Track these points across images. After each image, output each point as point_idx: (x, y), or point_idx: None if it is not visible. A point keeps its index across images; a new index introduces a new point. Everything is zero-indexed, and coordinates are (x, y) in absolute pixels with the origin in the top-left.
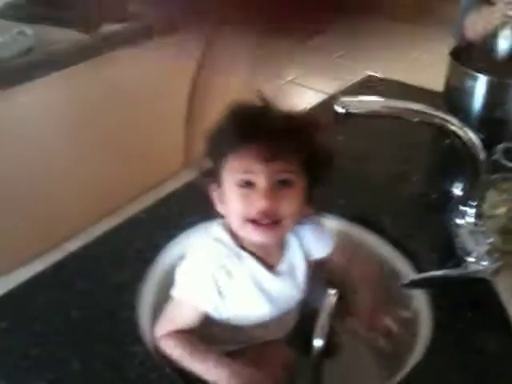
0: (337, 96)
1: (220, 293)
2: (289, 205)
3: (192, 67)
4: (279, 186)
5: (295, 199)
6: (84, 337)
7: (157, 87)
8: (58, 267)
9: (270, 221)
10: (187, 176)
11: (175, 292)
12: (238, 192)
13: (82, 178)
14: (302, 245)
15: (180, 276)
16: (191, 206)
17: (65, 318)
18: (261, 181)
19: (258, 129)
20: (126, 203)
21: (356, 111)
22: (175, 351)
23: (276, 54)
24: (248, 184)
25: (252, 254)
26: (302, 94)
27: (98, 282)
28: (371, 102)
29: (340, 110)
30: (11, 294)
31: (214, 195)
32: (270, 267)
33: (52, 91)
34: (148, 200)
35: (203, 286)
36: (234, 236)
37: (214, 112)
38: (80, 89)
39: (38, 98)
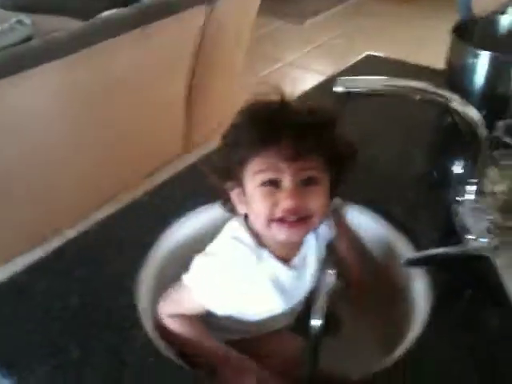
0: (337, 76)
1: (233, 298)
2: (315, 202)
3: (192, 53)
4: (304, 183)
5: (321, 196)
6: (83, 323)
7: (156, 73)
8: (57, 254)
9: (296, 218)
10: (186, 161)
11: (187, 280)
12: (262, 192)
13: (82, 165)
14: (317, 234)
15: (196, 267)
16: (190, 191)
17: (64, 305)
18: (285, 180)
19: (278, 127)
20: (126, 190)
21: (356, 90)
22: (179, 331)
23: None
24: (272, 183)
25: (271, 251)
26: (301, 76)
27: (97, 268)
28: (371, 80)
29: (340, 89)
30: (11, 282)
31: (233, 195)
32: (286, 261)
33: (51, 80)
34: (147, 186)
35: (216, 290)
36: (253, 234)
37: (214, 99)
38: (79, 77)
39: (37, 86)
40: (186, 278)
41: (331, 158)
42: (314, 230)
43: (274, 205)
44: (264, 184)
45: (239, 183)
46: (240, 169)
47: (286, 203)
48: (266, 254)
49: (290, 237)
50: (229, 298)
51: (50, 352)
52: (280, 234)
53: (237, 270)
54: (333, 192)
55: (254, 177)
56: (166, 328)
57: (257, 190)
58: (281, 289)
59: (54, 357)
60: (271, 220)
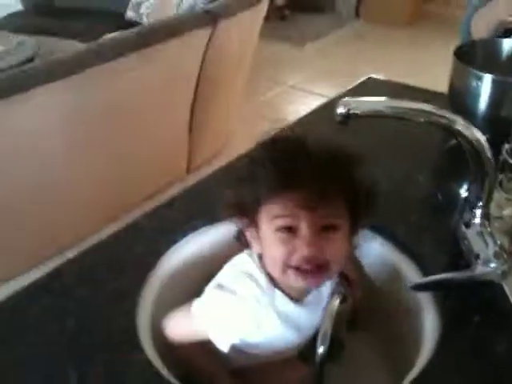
0: (339, 98)
1: (243, 336)
2: (334, 249)
3: (194, 76)
4: (323, 230)
5: (340, 242)
6: (81, 346)
7: (159, 95)
8: (55, 274)
9: (313, 266)
10: (187, 184)
11: (198, 311)
12: (279, 237)
13: (83, 186)
14: None
15: (209, 301)
16: (192, 212)
17: (61, 327)
18: (303, 228)
19: (299, 170)
20: (129, 210)
21: (358, 112)
22: (186, 354)
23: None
24: (289, 229)
25: (284, 291)
26: (303, 99)
27: (96, 289)
28: (374, 102)
29: (342, 110)
30: (7, 302)
31: (248, 233)
32: (300, 299)
33: (53, 100)
34: (149, 206)
35: (227, 327)
36: (266, 272)
37: (216, 121)
38: (82, 97)
39: (40, 106)
40: (196, 308)
41: (352, 203)
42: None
43: (291, 252)
44: (281, 229)
45: (253, 221)
46: (255, 208)
47: (303, 251)
48: (279, 294)
49: (307, 284)
50: (237, 334)
51: (46, 376)
52: (296, 281)
53: (251, 310)
54: (352, 236)
55: (270, 221)
56: (172, 345)
57: (273, 235)
58: (293, 327)
59: (51, 381)
60: (288, 266)
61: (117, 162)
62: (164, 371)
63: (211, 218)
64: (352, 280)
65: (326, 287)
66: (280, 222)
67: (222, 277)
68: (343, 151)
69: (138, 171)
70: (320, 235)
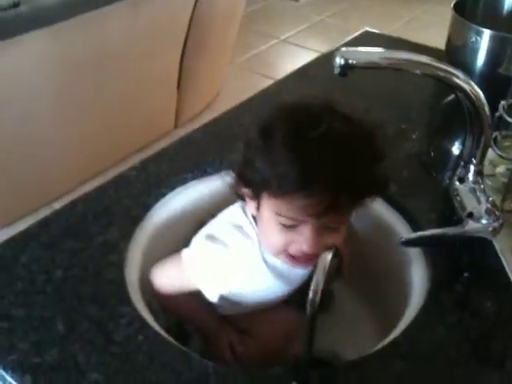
0: (335, 51)
1: (232, 286)
2: (334, 241)
3: (185, 25)
4: (325, 228)
5: (341, 235)
6: (69, 297)
7: (147, 46)
8: (43, 226)
9: (310, 257)
10: (175, 137)
11: (187, 261)
12: (279, 228)
13: (68, 136)
14: None
15: (198, 252)
16: (181, 164)
17: (49, 278)
18: (307, 230)
19: (315, 175)
20: (115, 163)
21: (357, 62)
22: (175, 301)
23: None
24: (292, 226)
25: None
26: (296, 54)
27: (84, 241)
28: (373, 52)
29: (340, 61)
30: None
31: (248, 201)
32: None
33: (39, 47)
34: (136, 160)
35: (216, 277)
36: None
37: (206, 75)
38: (68, 45)
39: (24, 53)
40: (186, 258)
41: (364, 197)
42: None
43: (290, 242)
44: (283, 225)
45: (256, 196)
46: (260, 188)
47: (302, 247)
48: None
49: (299, 267)
50: (226, 285)
51: (32, 326)
52: (290, 263)
53: (240, 262)
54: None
55: (273, 212)
56: (160, 295)
57: (273, 223)
58: (282, 278)
59: (37, 331)
60: (283, 251)
61: (104, 113)
62: (152, 323)
63: (200, 172)
64: None
65: None
66: (282, 220)
67: (212, 228)
68: (370, 137)
69: (126, 124)
70: (321, 233)
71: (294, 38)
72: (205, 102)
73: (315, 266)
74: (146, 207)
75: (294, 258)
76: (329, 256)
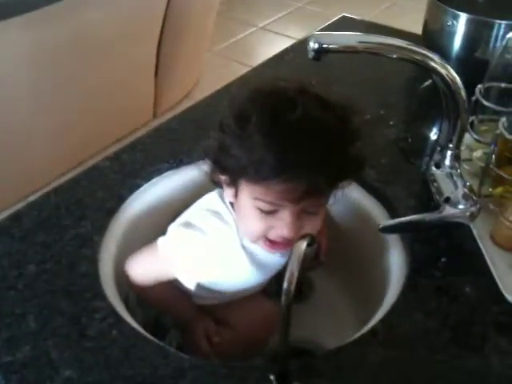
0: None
1: (208, 273)
2: (313, 226)
3: (161, 12)
4: (304, 212)
5: (320, 219)
6: (41, 292)
7: (124, 35)
8: (14, 219)
9: (288, 242)
10: (155, 124)
11: (163, 248)
12: (258, 214)
13: (44, 129)
14: None
15: (175, 238)
16: (156, 154)
17: (21, 273)
18: (286, 215)
19: (294, 160)
20: (95, 154)
21: (331, 46)
22: (152, 292)
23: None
24: (271, 212)
25: None
26: (275, 41)
27: (57, 233)
28: (347, 36)
29: (314, 45)
30: None
31: (225, 187)
32: None
33: (11, 37)
34: (113, 150)
35: (192, 264)
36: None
37: (184, 63)
38: (41, 35)
39: None
40: (162, 246)
41: (341, 179)
42: None
43: (269, 228)
44: (262, 210)
45: (233, 183)
46: (237, 174)
47: (282, 232)
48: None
49: (278, 253)
50: (204, 273)
51: (4, 323)
52: (268, 249)
53: (218, 249)
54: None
55: (251, 198)
56: (136, 285)
57: (252, 209)
58: (260, 266)
59: (8, 328)
60: (262, 237)
61: (82, 103)
62: (127, 317)
63: (176, 162)
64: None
65: None
66: (261, 205)
67: (189, 215)
68: (345, 118)
69: (104, 114)
70: (300, 217)
71: (273, 26)
72: (184, 91)
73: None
74: (121, 199)
75: (273, 244)
76: (303, 245)
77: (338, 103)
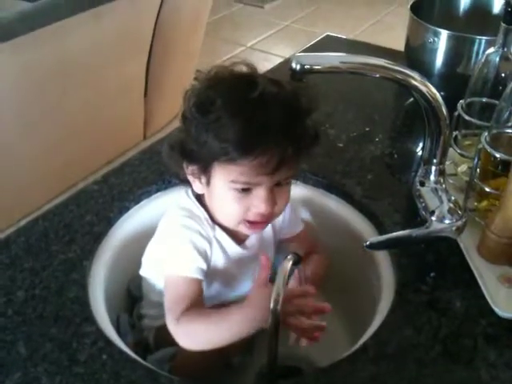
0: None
1: (204, 257)
2: (284, 200)
3: (149, 33)
4: (276, 185)
5: (288, 192)
6: (30, 319)
7: (111, 56)
8: (2, 245)
9: (266, 219)
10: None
11: (166, 273)
12: (234, 196)
13: (32, 153)
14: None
15: (166, 256)
16: (144, 176)
17: (10, 300)
18: (261, 189)
19: (260, 136)
20: (84, 178)
21: (313, 67)
22: (196, 324)
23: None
24: (246, 189)
25: (223, 229)
26: (262, 61)
27: (46, 259)
28: (328, 57)
29: (296, 66)
30: None
31: (188, 172)
32: (240, 241)
33: (0, 60)
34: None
35: (187, 255)
36: (206, 210)
37: (172, 83)
38: (28, 60)
39: None
40: (166, 273)
41: (303, 152)
42: None
43: (247, 208)
44: (237, 190)
45: (204, 171)
46: (208, 161)
47: (259, 208)
48: (218, 231)
49: (257, 233)
50: (200, 259)
51: None
52: (249, 231)
53: (198, 244)
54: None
55: (226, 181)
56: (186, 332)
57: (228, 192)
58: (240, 267)
59: None
60: (242, 220)
61: (70, 126)
62: (118, 341)
63: (164, 183)
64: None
65: (267, 231)
66: (238, 186)
67: (161, 229)
68: (298, 93)
69: (94, 136)
70: (273, 192)
71: (260, 45)
72: (174, 112)
73: (274, 272)
74: (109, 222)
75: (253, 224)
76: (289, 264)
77: (286, 81)
